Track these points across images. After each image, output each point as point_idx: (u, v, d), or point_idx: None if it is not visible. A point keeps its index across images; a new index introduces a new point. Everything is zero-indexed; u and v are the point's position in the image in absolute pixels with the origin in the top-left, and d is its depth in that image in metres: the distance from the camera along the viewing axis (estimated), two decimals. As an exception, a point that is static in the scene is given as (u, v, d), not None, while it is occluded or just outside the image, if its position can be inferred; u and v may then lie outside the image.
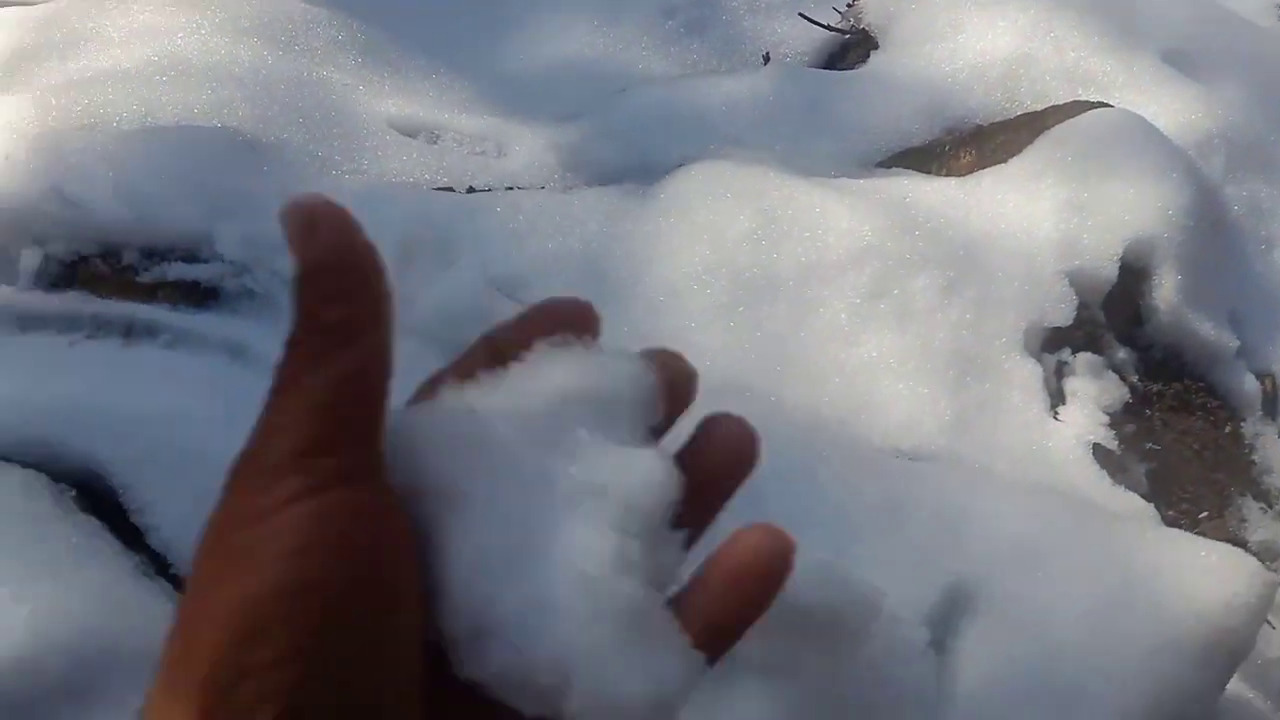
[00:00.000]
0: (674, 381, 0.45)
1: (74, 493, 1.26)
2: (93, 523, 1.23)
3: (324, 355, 0.37)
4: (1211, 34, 2.19)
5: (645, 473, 0.43)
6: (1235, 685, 1.29)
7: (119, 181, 1.55)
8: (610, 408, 0.44)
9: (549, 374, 0.44)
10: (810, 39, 2.30)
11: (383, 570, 0.37)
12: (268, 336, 1.45)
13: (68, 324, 1.46)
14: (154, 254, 1.52)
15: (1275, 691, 1.32)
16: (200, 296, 1.49)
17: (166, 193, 1.56)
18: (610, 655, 0.39)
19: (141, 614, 1.14)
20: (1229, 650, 1.13)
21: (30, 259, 1.49)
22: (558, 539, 0.41)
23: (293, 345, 0.37)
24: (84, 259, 1.51)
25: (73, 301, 1.47)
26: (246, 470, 0.37)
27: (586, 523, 0.41)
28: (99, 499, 1.27)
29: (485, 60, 2.20)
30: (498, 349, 0.45)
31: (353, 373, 0.38)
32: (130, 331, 1.45)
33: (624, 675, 0.39)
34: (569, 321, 0.45)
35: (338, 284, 0.37)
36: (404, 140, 1.89)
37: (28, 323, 1.45)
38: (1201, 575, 1.18)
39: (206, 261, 1.51)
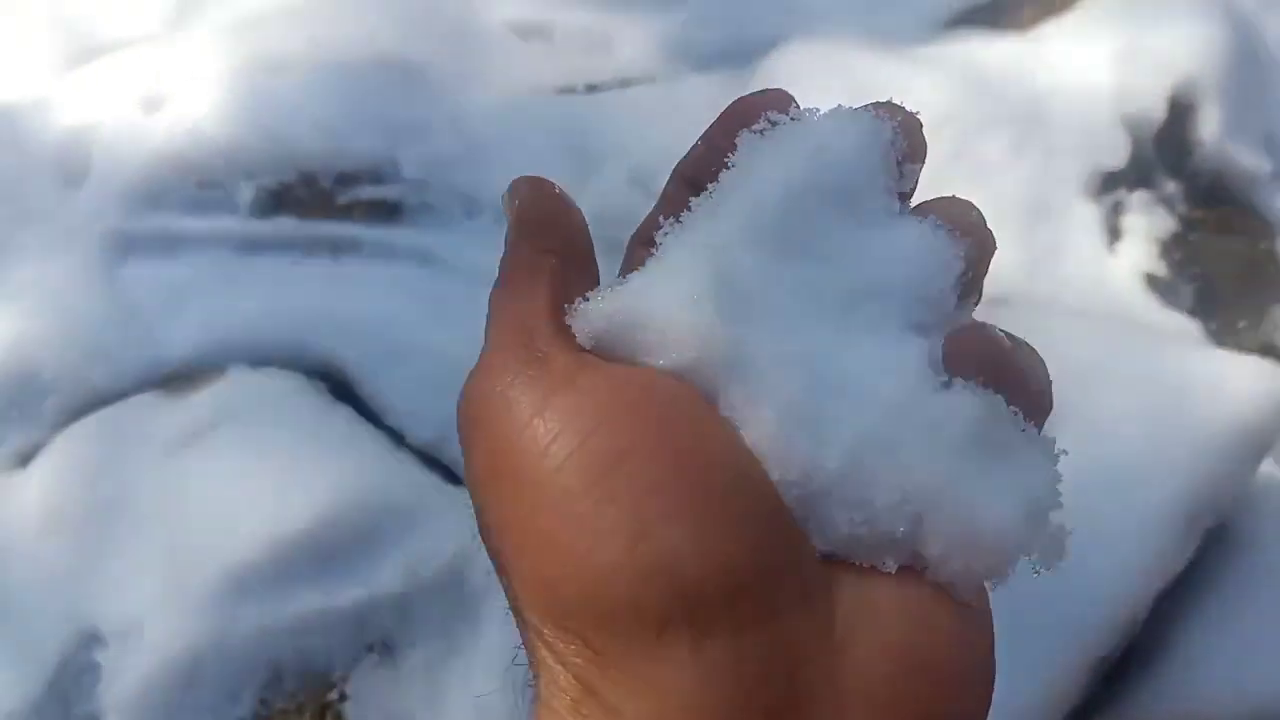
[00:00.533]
0: (906, 133, 0.41)
1: (327, 386, 1.60)
2: (348, 409, 1.57)
3: (535, 266, 0.40)
4: None
5: (924, 250, 0.38)
6: (1270, 467, 1.59)
7: (308, 116, 1.84)
8: (851, 183, 0.38)
9: (768, 167, 0.38)
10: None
11: (688, 426, 0.36)
12: (449, 244, 1.75)
13: (285, 246, 1.77)
14: (345, 178, 1.82)
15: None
16: (389, 213, 1.79)
17: (347, 123, 1.85)
18: (961, 480, 0.35)
19: (402, 477, 1.48)
20: (1256, 444, 1.42)
21: (246, 191, 1.79)
22: (854, 363, 0.36)
23: (507, 263, 0.41)
24: (288, 187, 1.81)
25: (285, 226, 1.78)
26: (492, 373, 0.38)
27: (878, 334, 0.37)
28: (343, 390, 1.61)
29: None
30: (693, 178, 0.43)
31: (562, 278, 0.40)
32: (336, 248, 1.76)
33: (984, 497, 0.35)
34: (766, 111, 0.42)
35: (539, 212, 0.42)
36: (523, 44, 2.14)
37: (253, 247, 1.76)
38: (1234, 383, 1.46)
39: (390, 182, 1.81)
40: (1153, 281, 1.77)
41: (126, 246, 1.74)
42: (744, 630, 0.34)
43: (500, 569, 0.38)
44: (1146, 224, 1.83)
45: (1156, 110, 1.92)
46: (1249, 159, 1.93)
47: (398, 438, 1.56)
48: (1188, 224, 1.88)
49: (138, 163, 1.79)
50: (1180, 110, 1.93)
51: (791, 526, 0.36)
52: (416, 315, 1.65)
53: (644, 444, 0.35)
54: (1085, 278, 1.74)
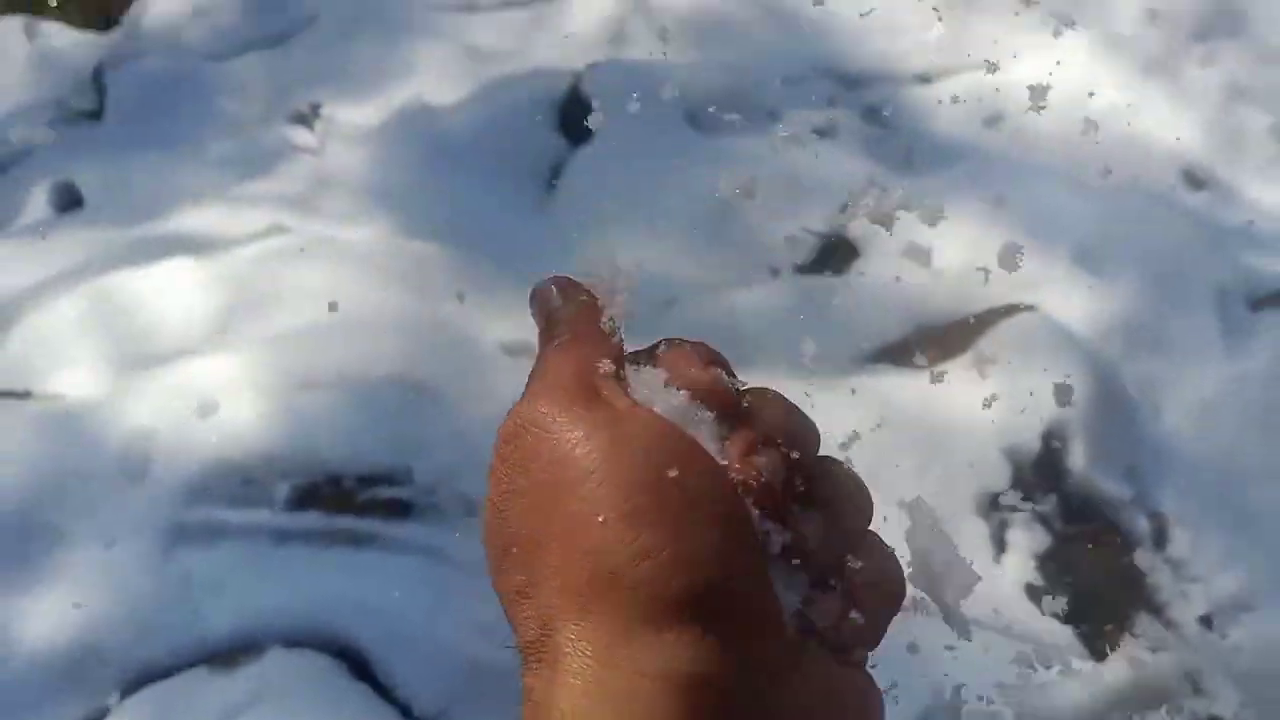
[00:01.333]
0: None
1: (347, 665, 1.91)
2: (365, 686, 1.87)
3: (597, 337, 0.54)
4: (1116, 230, 2.84)
5: None
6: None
7: (334, 428, 2.20)
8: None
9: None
10: (804, 245, 2.96)
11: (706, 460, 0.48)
12: (452, 541, 2.09)
13: (310, 537, 2.10)
14: (364, 480, 2.17)
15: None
16: (402, 511, 2.14)
17: (367, 434, 2.21)
18: None
19: (411, 748, 1.79)
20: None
21: (281, 489, 2.14)
22: None
23: (545, 339, 0.56)
24: (316, 486, 2.16)
25: (313, 520, 2.12)
26: (557, 398, 0.50)
27: None
28: (361, 667, 1.92)
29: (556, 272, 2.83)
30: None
31: (591, 349, 0.53)
32: (356, 541, 2.09)
33: None
34: None
35: (589, 306, 0.56)
36: (512, 362, 2.53)
37: (285, 537, 2.09)
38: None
39: (403, 484, 2.16)
40: (1031, 590, 2.15)
41: (177, 535, 2.06)
42: (739, 637, 0.45)
43: (524, 555, 0.49)
44: (1026, 539, 2.22)
45: (1033, 444, 2.34)
46: (1113, 485, 2.34)
47: (406, 710, 1.86)
48: (1062, 539, 2.27)
49: (191, 463, 2.13)
50: (1052, 444, 2.35)
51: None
52: (423, 603, 1.98)
53: (685, 470, 0.47)
54: (975, 588, 2.10)
